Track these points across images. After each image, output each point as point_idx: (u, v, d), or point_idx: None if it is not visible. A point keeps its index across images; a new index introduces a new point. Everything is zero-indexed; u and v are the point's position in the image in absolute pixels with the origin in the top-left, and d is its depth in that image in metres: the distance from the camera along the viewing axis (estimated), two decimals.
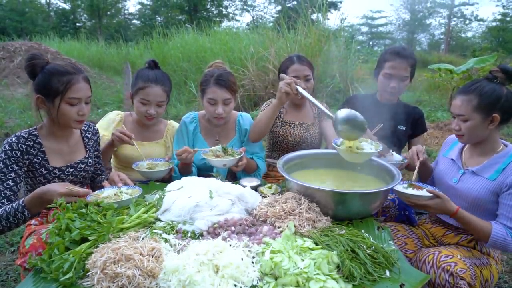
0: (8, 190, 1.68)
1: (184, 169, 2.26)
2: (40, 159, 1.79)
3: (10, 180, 1.69)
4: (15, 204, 1.60)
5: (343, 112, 1.86)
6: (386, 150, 2.14)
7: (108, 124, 2.35)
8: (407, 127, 2.46)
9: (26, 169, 1.77)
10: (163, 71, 2.33)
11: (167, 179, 2.21)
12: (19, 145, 1.73)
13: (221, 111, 2.22)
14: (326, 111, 2.01)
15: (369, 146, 1.92)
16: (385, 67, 2.36)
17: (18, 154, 1.72)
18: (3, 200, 1.66)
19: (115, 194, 1.73)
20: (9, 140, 1.73)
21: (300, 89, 2.04)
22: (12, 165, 1.71)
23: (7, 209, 1.59)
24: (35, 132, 1.80)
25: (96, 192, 1.72)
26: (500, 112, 1.66)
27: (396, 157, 2.09)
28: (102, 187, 1.84)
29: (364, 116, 2.31)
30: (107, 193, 1.72)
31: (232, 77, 2.29)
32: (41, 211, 1.71)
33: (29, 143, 1.77)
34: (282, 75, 2.32)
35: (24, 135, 1.77)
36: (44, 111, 1.80)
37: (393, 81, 2.34)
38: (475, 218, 1.64)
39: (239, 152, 2.15)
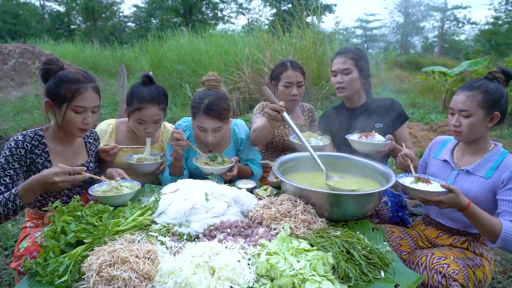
0: (3, 186, 1.70)
1: (176, 168, 2.23)
2: (43, 159, 1.81)
3: (8, 177, 1.72)
4: (6, 194, 1.63)
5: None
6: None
7: (100, 136, 2.34)
8: (384, 123, 2.36)
9: (25, 168, 1.79)
10: (158, 85, 2.25)
11: (157, 175, 2.29)
12: (24, 144, 1.76)
13: (211, 139, 2.16)
14: (312, 152, 1.91)
15: (317, 140, 2.21)
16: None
17: (22, 152, 1.75)
18: None
19: (115, 188, 1.79)
20: (15, 138, 1.76)
21: (286, 117, 1.94)
22: (14, 163, 1.73)
23: None
24: (41, 133, 1.84)
25: (96, 186, 1.80)
26: (499, 111, 1.69)
27: (379, 137, 2.07)
28: (100, 181, 1.88)
29: (338, 127, 2.36)
30: (107, 187, 1.79)
31: (224, 102, 2.14)
32: (32, 202, 1.75)
33: (34, 142, 1.80)
34: (269, 104, 2.24)
35: (30, 134, 1.80)
36: (52, 115, 1.84)
37: (338, 76, 2.37)
38: (484, 213, 1.58)
39: (230, 161, 2.14)
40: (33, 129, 1.84)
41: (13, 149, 1.73)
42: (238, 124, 2.45)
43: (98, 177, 1.82)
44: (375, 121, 2.37)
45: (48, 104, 1.79)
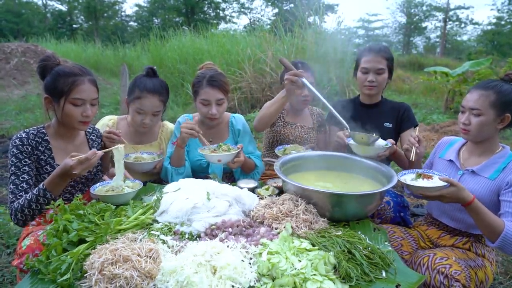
0: (24, 183, 1.73)
1: (176, 157, 2.21)
2: (47, 156, 1.83)
3: (25, 174, 1.74)
4: (35, 190, 1.65)
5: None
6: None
7: (101, 130, 2.35)
8: (393, 124, 2.42)
9: (35, 164, 1.81)
10: (161, 78, 2.31)
11: (156, 174, 2.31)
12: (29, 140, 1.78)
13: (215, 111, 2.22)
14: (327, 103, 2.06)
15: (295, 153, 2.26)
16: (361, 63, 2.38)
17: (29, 149, 1.77)
18: (21, 193, 1.70)
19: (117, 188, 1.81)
20: (19, 136, 1.77)
21: (306, 82, 2.02)
22: (25, 159, 1.76)
23: (27, 197, 1.65)
24: (43, 130, 1.86)
25: (98, 185, 1.81)
26: (511, 113, 1.68)
27: (380, 141, 2.07)
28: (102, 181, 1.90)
29: (348, 120, 2.36)
30: (109, 187, 1.80)
31: (224, 77, 2.30)
32: (61, 194, 1.79)
33: (38, 139, 1.82)
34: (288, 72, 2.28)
35: (33, 131, 1.82)
36: (52, 111, 1.85)
37: (370, 74, 2.34)
38: (488, 211, 1.56)
39: (236, 148, 2.16)
40: (35, 127, 1.85)
41: (20, 146, 1.75)
42: (236, 117, 2.52)
43: (111, 148, 1.82)
44: (385, 120, 2.42)
45: (47, 99, 1.80)
